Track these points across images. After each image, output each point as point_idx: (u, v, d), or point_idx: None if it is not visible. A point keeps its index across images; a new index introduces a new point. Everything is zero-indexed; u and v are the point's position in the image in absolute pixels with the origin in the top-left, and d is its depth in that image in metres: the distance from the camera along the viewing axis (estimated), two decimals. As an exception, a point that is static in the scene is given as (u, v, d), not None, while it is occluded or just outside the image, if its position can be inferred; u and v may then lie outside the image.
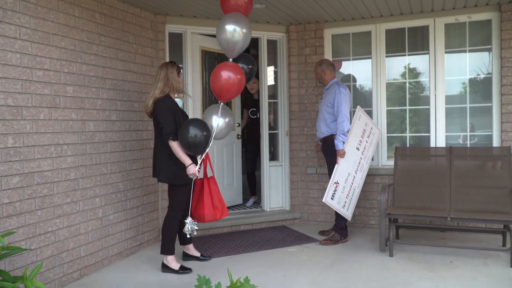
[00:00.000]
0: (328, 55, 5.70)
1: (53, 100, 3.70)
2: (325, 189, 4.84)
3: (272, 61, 6.04)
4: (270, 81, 6.16)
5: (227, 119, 3.92)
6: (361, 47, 5.63)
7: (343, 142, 4.74)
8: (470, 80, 5.27)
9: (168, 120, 3.82)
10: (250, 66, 3.92)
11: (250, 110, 6.35)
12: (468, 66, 5.25)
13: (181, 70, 4.12)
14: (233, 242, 5.03)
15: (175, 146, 3.82)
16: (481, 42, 5.19)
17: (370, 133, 5.09)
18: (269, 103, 5.94)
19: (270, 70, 6.11)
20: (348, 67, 5.77)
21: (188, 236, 4.03)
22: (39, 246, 3.55)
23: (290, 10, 5.10)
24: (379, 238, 4.76)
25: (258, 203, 6.35)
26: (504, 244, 4.62)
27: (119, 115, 4.45)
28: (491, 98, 5.13)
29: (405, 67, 5.51)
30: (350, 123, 4.84)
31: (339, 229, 4.92)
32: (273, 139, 6.03)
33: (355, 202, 4.94)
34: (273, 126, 6.15)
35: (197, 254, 4.42)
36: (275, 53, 5.96)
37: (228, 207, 6.12)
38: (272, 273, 4.03)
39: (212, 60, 5.88)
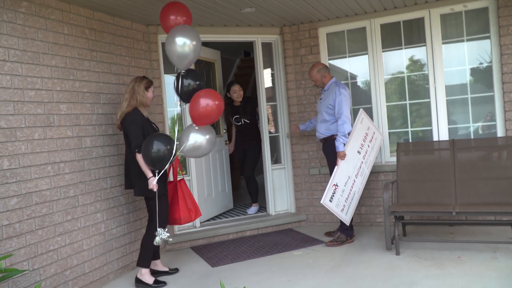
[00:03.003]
0: (323, 54, 5.65)
1: (47, 119, 3.71)
2: (328, 190, 4.79)
3: (269, 63, 6.01)
4: (268, 83, 6.13)
5: (207, 136, 3.84)
6: (357, 44, 5.57)
7: (344, 144, 4.68)
8: (470, 70, 5.18)
9: (135, 133, 3.85)
10: (197, 82, 3.88)
11: (233, 118, 6.22)
12: (467, 56, 5.16)
13: (152, 85, 4.07)
14: (238, 249, 5.01)
15: (140, 158, 3.82)
16: (479, 31, 5.10)
17: (372, 137, 5.02)
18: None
19: (268, 72, 6.08)
20: (345, 65, 5.70)
21: (159, 242, 3.93)
22: (42, 265, 3.56)
23: (281, 12, 5.06)
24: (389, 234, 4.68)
25: (261, 209, 6.29)
26: (513, 236, 4.53)
27: (116, 129, 4.45)
28: (493, 87, 5.03)
29: (402, 61, 5.43)
30: (352, 125, 4.78)
31: (344, 230, 4.87)
32: (274, 142, 5.99)
33: (354, 207, 4.86)
34: (273, 130, 6.13)
35: (166, 269, 4.38)
36: (271, 56, 5.92)
37: (222, 213, 6.16)
38: (276, 278, 3.99)
39: (200, 68, 5.88)
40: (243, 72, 9.26)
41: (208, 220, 5.78)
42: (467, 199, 4.51)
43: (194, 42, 3.69)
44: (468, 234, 4.80)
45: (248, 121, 6.11)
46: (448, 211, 4.20)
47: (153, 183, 3.81)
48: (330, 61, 5.70)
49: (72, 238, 3.88)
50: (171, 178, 4.35)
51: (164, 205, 3.99)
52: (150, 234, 3.97)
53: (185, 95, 3.87)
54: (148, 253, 4.03)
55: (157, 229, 3.86)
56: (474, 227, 4.97)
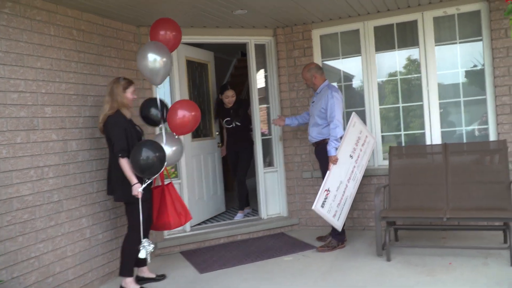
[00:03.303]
0: (317, 56, 5.59)
1: (31, 122, 3.63)
2: (321, 193, 4.72)
3: (262, 65, 5.94)
4: (262, 85, 6.07)
5: (174, 148, 3.88)
6: (351, 46, 5.52)
7: (336, 148, 4.61)
8: (463, 73, 5.13)
9: (118, 136, 3.73)
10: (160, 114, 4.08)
11: (224, 120, 6.10)
12: (459, 59, 5.11)
13: (131, 85, 3.92)
14: (229, 254, 4.93)
15: (123, 163, 3.72)
16: (472, 34, 5.05)
17: (364, 141, 4.96)
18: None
19: (261, 74, 6.01)
20: (338, 67, 5.64)
21: (149, 260, 3.88)
22: (22, 273, 3.47)
23: (274, 14, 5.00)
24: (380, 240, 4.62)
25: (253, 212, 6.22)
26: (505, 241, 4.47)
27: (103, 132, 4.37)
28: (485, 90, 4.98)
29: (396, 63, 5.37)
30: (344, 129, 4.71)
31: (336, 235, 4.80)
32: (266, 144, 5.92)
33: (347, 212, 4.79)
34: (266, 132, 6.06)
35: (152, 275, 4.28)
36: (265, 57, 5.86)
37: (214, 217, 6.08)
38: (265, 285, 3.92)
39: (193, 70, 5.82)
40: (240, 72, 9.17)
41: (199, 224, 5.71)
42: (459, 203, 4.46)
43: (164, 59, 3.85)
44: (460, 239, 4.74)
45: (239, 124, 5.99)
46: (439, 217, 4.14)
47: (138, 190, 3.72)
48: (324, 63, 5.63)
49: (55, 245, 3.79)
50: (158, 182, 4.27)
51: (145, 211, 3.85)
52: (130, 240, 3.87)
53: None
54: (130, 261, 3.92)
55: (141, 240, 3.75)
56: (466, 232, 4.91)
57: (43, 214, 3.70)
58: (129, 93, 3.92)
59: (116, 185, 3.85)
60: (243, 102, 6.17)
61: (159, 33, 4.05)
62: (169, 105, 4.29)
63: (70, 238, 3.96)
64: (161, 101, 4.09)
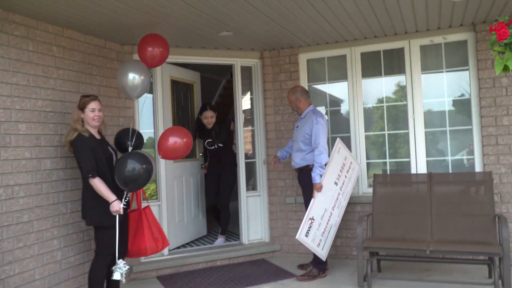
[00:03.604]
0: (303, 80, 5.55)
1: (3, 139, 3.51)
2: (303, 220, 4.59)
3: (248, 87, 5.88)
4: (248, 106, 6.00)
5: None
6: (337, 71, 5.48)
7: (321, 175, 4.52)
8: (450, 102, 5.10)
9: (85, 157, 3.52)
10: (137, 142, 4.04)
11: (206, 142, 5.92)
12: (446, 88, 5.09)
13: (90, 102, 3.64)
14: (207, 280, 4.78)
15: (96, 183, 3.50)
16: (458, 63, 5.04)
17: (349, 167, 4.88)
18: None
19: (248, 96, 5.94)
20: (324, 92, 5.60)
21: (124, 281, 3.72)
22: (-15, 297, 3.32)
23: (260, 37, 4.96)
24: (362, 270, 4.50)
25: (234, 236, 6.08)
26: (490, 276, 4.37)
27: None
28: (472, 121, 4.94)
29: (382, 90, 5.34)
30: (329, 155, 4.63)
31: (317, 264, 4.68)
32: (250, 168, 5.82)
33: (331, 240, 4.68)
34: (250, 155, 5.95)
35: None
36: (251, 79, 5.80)
37: (194, 240, 5.93)
38: (241, 316, 3.77)
39: (179, 90, 5.75)
40: (229, 93, 9.06)
41: (178, 248, 5.55)
42: (443, 236, 4.36)
43: (142, 77, 3.92)
44: (444, 272, 4.63)
45: (221, 145, 5.84)
46: (422, 249, 4.04)
47: (120, 206, 3.52)
48: (311, 86, 5.58)
49: (22, 267, 3.64)
50: (135, 206, 4.10)
51: (113, 236, 3.62)
52: (95, 267, 3.67)
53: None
54: (97, 286, 3.71)
55: (117, 261, 3.59)
56: (450, 264, 4.80)
57: (11, 235, 3.55)
58: (89, 111, 3.63)
59: (87, 208, 3.66)
60: (224, 123, 5.98)
61: (147, 48, 4.05)
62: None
63: (39, 261, 3.81)
64: (133, 130, 4.05)
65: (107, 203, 3.54)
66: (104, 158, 3.62)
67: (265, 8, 3.94)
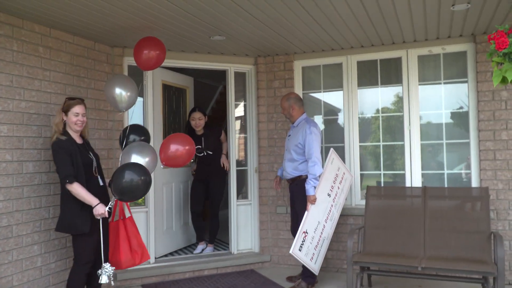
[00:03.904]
0: (298, 88, 5.44)
1: (-18, 141, 3.40)
2: (294, 231, 4.47)
3: (242, 93, 5.76)
4: (241, 113, 5.89)
5: (147, 159, 3.72)
6: (333, 80, 5.37)
7: (315, 187, 4.39)
8: (447, 114, 4.98)
9: (62, 162, 3.39)
10: (142, 138, 4.01)
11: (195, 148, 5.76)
12: (444, 100, 4.97)
13: (74, 106, 3.52)
14: (192, 290, 4.65)
15: (75, 188, 3.36)
16: (457, 75, 4.93)
17: (342, 178, 4.76)
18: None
19: (242, 102, 5.82)
20: (319, 101, 5.49)
21: (113, 283, 3.59)
22: (-42, 304, 3.20)
23: (254, 42, 4.85)
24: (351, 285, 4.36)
25: (224, 245, 5.94)
26: (484, 295, 4.23)
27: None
28: (469, 134, 4.82)
29: (378, 100, 5.22)
30: (322, 166, 4.51)
31: (306, 277, 4.54)
32: (241, 175, 5.69)
33: (324, 254, 4.55)
34: (243, 162, 5.82)
35: None
36: (245, 86, 5.69)
37: (184, 248, 5.80)
38: (223, 330, 3.64)
39: (171, 94, 5.64)
40: (226, 99, 9.03)
41: (165, 256, 5.42)
42: (436, 252, 4.24)
43: (129, 93, 3.92)
44: (436, 288, 4.50)
45: (211, 153, 5.61)
46: (413, 266, 3.91)
47: (104, 208, 3.39)
48: (305, 94, 5.47)
49: (0, 273, 3.52)
50: (117, 217, 3.91)
51: (89, 244, 3.53)
52: (71, 276, 3.56)
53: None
54: None
55: (103, 264, 3.47)
56: (443, 282, 4.67)
57: (-12, 240, 3.44)
58: (72, 115, 3.51)
59: (62, 214, 3.53)
60: (214, 129, 5.74)
61: (143, 51, 4.07)
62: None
63: (18, 267, 3.69)
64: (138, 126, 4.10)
65: (83, 209, 3.43)
66: (82, 163, 3.48)
67: (257, 13, 3.83)
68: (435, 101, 5.00)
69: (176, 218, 5.71)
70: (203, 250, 5.65)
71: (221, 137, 5.70)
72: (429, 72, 5.02)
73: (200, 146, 5.59)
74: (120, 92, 3.88)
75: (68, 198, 3.44)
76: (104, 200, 3.58)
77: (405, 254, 4.27)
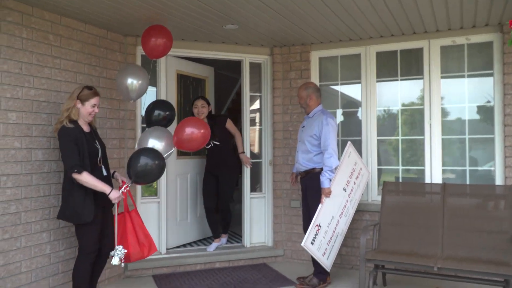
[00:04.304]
0: (314, 79, 5.28)
1: (-10, 127, 3.42)
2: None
3: (258, 85, 5.65)
4: (257, 106, 5.79)
5: (163, 143, 3.79)
6: (351, 71, 5.20)
7: (330, 180, 4.26)
8: (470, 108, 4.74)
9: (69, 150, 3.34)
10: (167, 113, 4.01)
11: None
12: (467, 93, 4.74)
13: (93, 98, 3.52)
14: (202, 282, 4.60)
15: (84, 177, 3.33)
16: (482, 67, 4.68)
17: (359, 174, 4.60)
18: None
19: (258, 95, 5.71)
20: (336, 93, 5.33)
21: (122, 265, 3.56)
22: (-36, 288, 3.23)
23: (269, 32, 4.73)
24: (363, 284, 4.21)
25: (237, 238, 5.86)
26: (504, 298, 4.02)
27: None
28: (494, 129, 4.58)
29: (397, 93, 5.02)
30: (339, 158, 4.36)
31: (318, 273, 4.42)
32: (255, 168, 5.58)
33: (337, 250, 4.41)
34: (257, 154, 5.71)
35: None
36: (260, 77, 5.58)
37: (200, 240, 5.72)
38: (227, 325, 3.57)
39: (187, 84, 5.56)
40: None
41: (178, 247, 5.39)
42: (454, 252, 4.05)
43: (140, 81, 3.96)
44: (454, 290, 4.31)
45: (218, 143, 5.29)
46: (429, 265, 3.74)
47: (119, 193, 3.46)
48: (323, 85, 5.32)
49: (8, 259, 3.53)
50: (121, 209, 3.86)
51: (93, 233, 3.51)
52: (77, 265, 3.55)
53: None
54: (79, 286, 3.57)
55: (115, 246, 3.49)
56: (462, 283, 4.45)
57: (-4, 226, 3.46)
58: (88, 106, 3.50)
59: (65, 204, 3.50)
60: (217, 118, 5.42)
61: (150, 39, 4.06)
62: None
63: (27, 253, 3.70)
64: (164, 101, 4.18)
65: (86, 199, 3.40)
66: (88, 152, 3.44)
67: (270, 1, 3.71)
68: (457, 94, 4.77)
69: (192, 210, 5.65)
70: (216, 248, 5.46)
71: (226, 125, 5.35)
72: (452, 63, 4.79)
73: None
74: (132, 81, 3.90)
75: (72, 188, 3.41)
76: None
77: (421, 253, 4.09)
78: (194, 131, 3.85)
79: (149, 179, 3.63)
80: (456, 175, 4.79)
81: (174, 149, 3.90)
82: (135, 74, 3.95)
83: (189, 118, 4.08)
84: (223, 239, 5.59)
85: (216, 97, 6.33)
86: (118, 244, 3.66)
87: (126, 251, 3.51)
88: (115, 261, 3.45)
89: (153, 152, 3.61)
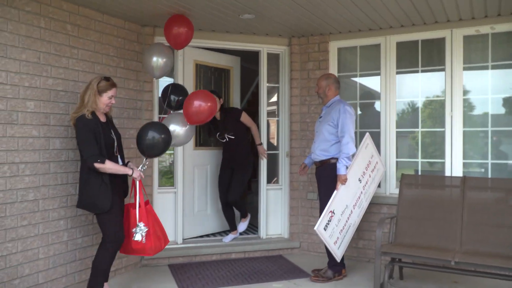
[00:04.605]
0: (333, 70, 5.21)
1: (9, 116, 3.47)
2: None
3: (276, 77, 5.60)
4: (275, 98, 5.74)
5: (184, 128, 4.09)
6: (370, 62, 5.10)
7: (346, 167, 4.20)
8: (493, 100, 4.59)
9: (88, 140, 3.37)
10: (180, 98, 4.23)
11: (217, 134, 5.30)
12: (490, 84, 4.59)
13: (111, 89, 3.54)
14: (217, 273, 4.61)
15: (108, 165, 3.38)
16: (507, 57, 4.53)
17: (374, 167, 4.53)
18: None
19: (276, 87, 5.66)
20: (354, 83, 5.24)
21: (144, 241, 3.57)
22: (-16, 272, 3.31)
23: (286, 22, 4.68)
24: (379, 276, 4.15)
25: (253, 229, 5.82)
26: (525, 295, 3.91)
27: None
28: (518, 121, 4.44)
29: (418, 84, 4.91)
30: (356, 147, 4.30)
31: (332, 266, 4.38)
32: (272, 160, 5.55)
33: (348, 242, 4.34)
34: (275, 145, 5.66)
35: None
36: (278, 68, 5.53)
37: (220, 232, 5.72)
38: (240, 314, 3.58)
39: (208, 75, 5.54)
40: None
41: (196, 238, 5.40)
42: (472, 247, 3.95)
43: (164, 59, 4.16)
44: (474, 286, 4.21)
45: (233, 137, 5.21)
46: (446, 259, 3.66)
47: (139, 172, 3.61)
48: (342, 76, 5.24)
49: (26, 245, 3.61)
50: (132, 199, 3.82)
51: (115, 221, 3.53)
52: (98, 253, 3.57)
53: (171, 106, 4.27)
54: (98, 274, 3.58)
55: (137, 223, 3.54)
56: (482, 279, 4.35)
57: (15, 213, 3.52)
58: (105, 97, 3.52)
59: (79, 191, 3.55)
60: (230, 112, 5.27)
61: (173, 29, 4.25)
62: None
63: (45, 240, 3.77)
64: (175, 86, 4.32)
65: (101, 188, 3.43)
66: (104, 143, 3.47)
67: (286, -11, 3.67)
68: (480, 85, 4.63)
69: (213, 202, 5.60)
70: (233, 239, 5.43)
71: (241, 119, 5.21)
72: (476, 54, 4.65)
73: (219, 132, 5.26)
74: (157, 59, 4.10)
75: (89, 177, 3.44)
76: (123, 178, 3.63)
77: (439, 247, 4.01)
78: (201, 104, 4.06)
79: (155, 152, 3.79)
80: (478, 168, 4.66)
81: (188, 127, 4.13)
82: (160, 52, 4.15)
83: (196, 92, 4.25)
84: (243, 223, 5.45)
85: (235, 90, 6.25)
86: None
87: (148, 228, 3.55)
88: (137, 237, 3.52)
89: (159, 126, 3.79)
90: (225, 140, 5.23)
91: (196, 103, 4.05)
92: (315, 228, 4.07)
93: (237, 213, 5.55)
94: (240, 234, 5.57)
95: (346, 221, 4.32)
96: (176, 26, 4.21)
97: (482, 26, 4.53)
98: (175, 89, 4.30)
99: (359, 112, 5.19)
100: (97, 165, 3.37)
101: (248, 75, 8.45)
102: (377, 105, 5.09)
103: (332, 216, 4.17)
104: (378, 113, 5.03)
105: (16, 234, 3.54)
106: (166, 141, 3.78)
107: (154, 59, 4.10)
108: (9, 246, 3.49)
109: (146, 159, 3.80)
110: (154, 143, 3.72)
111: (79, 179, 3.55)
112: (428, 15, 4.39)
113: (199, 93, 4.19)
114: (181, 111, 4.20)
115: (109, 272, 3.75)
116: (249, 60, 7.01)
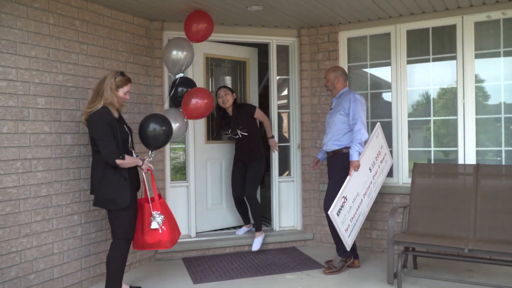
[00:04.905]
0: (343, 60, 5.17)
1: (20, 112, 3.51)
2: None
3: (286, 70, 5.57)
4: (285, 91, 5.71)
5: (177, 124, 4.10)
6: (380, 51, 5.05)
7: (359, 153, 4.18)
8: (506, 86, 4.52)
9: (107, 136, 3.36)
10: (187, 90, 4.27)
11: (230, 131, 5.17)
12: (502, 71, 4.52)
13: (126, 85, 3.56)
14: (231, 265, 4.63)
15: (126, 160, 3.43)
16: (519, 42, 4.45)
17: (383, 158, 4.50)
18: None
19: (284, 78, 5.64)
20: (365, 73, 5.19)
21: (160, 231, 3.61)
22: (1, 268, 3.34)
23: (295, 13, 4.64)
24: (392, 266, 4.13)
25: (265, 222, 5.84)
26: (541, 283, 3.86)
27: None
28: (532, 108, 4.37)
29: (429, 72, 4.85)
30: (368, 133, 4.28)
31: (342, 253, 4.37)
32: (283, 152, 5.54)
33: (357, 231, 4.31)
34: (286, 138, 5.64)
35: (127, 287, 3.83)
36: (288, 60, 5.50)
37: (235, 226, 5.69)
38: (253, 306, 3.59)
39: (220, 68, 5.51)
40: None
41: (208, 231, 5.41)
42: (487, 235, 3.90)
43: (185, 53, 4.22)
44: (489, 274, 4.16)
45: (246, 134, 5.08)
46: (460, 247, 3.62)
47: (147, 163, 3.66)
48: (351, 67, 5.21)
49: (40, 240, 3.65)
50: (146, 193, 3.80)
51: (129, 218, 3.53)
52: (111, 252, 3.57)
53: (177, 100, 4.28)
54: (115, 274, 3.57)
55: (152, 212, 3.59)
56: (497, 266, 4.31)
57: (29, 208, 3.56)
58: (121, 93, 3.52)
59: (95, 188, 3.54)
60: (242, 108, 5.14)
61: (192, 25, 4.32)
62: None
63: (58, 235, 3.81)
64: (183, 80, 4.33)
65: (120, 184, 3.45)
66: (120, 138, 3.48)
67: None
68: (492, 72, 4.56)
69: (227, 196, 5.54)
70: (246, 232, 5.38)
71: (255, 115, 5.09)
72: (487, 40, 4.57)
73: (231, 128, 5.16)
74: (176, 52, 4.18)
75: (105, 173, 3.45)
76: (136, 173, 3.67)
77: (452, 235, 3.97)
78: (198, 101, 4.13)
79: (157, 144, 3.85)
80: (491, 155, 4.60)
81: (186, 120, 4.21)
82: (180, 46, 4.23)
83: (194, 89, 4.27)
84: (257, 240, 5.04)
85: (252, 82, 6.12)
86: (153, 232, 3.66)
87: (163, 216, 3.58)
88: (154, 225, 3.56)
89: (160, 119, 3.85)
90: (237, 136, 5.14)
91: (194, 100, 4.13)
92: (328, 212, 4.00)
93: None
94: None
95: (357, 209, 4.29)
96: (196, 23, 4.28)
97: (493, 11, 4.45)
98: (184, 81, 4.31)
99: (370, 101, 5.14)
100: (118, 161, 3.38)
101: (260, 68, 8.41)
102: (388, 95, 5.04)
103: (344, 202, 4.13)
104: (389, 103, 4.98)
105: (30, 229, 3.58)
106: (167, 132, 3.85)
107: (174, 52, 4.19)
108: (24, 241, 3.53)
109: (151, 151, 3.84)
110: (156, 135, 3.78)
111: (93, 175, 3.55)
112: (438, 1, 4.33)
113: (197, 91, 4.23)
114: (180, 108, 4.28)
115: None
116: (262, 53, 6.98)
